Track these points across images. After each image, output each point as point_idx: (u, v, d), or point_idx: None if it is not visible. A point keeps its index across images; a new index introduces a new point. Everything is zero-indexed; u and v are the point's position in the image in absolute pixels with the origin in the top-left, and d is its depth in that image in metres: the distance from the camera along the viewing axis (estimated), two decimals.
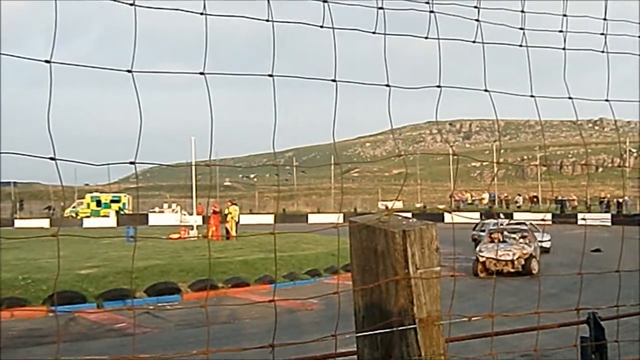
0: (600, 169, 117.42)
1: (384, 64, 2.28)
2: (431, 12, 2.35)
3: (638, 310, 3.70)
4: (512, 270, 23.36)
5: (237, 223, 37.51)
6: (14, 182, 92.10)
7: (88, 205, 73.98)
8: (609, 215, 57.26)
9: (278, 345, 2.14)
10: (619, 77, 3.30)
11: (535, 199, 79.20)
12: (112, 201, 74.95)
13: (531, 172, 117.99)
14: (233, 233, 35.69)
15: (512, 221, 37.52)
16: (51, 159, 1.81)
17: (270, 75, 2.09)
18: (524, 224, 31.79)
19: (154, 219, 65.34)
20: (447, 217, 56.32)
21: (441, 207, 78.12)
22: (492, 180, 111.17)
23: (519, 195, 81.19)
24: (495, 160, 78.98)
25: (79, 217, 69.41)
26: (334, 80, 2.18)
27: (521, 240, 25.86)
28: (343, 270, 16.49)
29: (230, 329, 14.92)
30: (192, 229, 41.92)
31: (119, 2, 1.91)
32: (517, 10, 2.60)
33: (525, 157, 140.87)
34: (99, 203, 74.34)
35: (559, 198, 72.11)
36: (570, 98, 2.81)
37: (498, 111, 2.59)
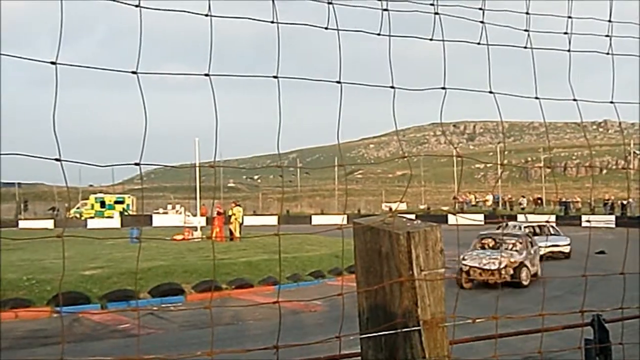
0: (605, 171, 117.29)
1: (387, 65, 2.28)
2: (436, 13, 2.35)
3: None
4: (498, 280, 20.91)
5: (240, 224, 37.51)
6: (19, 183, 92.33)
7: (92, 206, 74.08)
8: (613, 217, 57.14)
9: (282, 347, 2.14)
10: (624, 79, 3.29)
11: (539, 201, 79.09)
12: (116, 202, 75.05)
13: (535, 173, 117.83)
14: (237, 234, 35.70)
15: (531, 222, 35.32)
16: (56, 159, 1.81)
17: (275, 77, 2.09)
18: (544, 225, 31.35)
19: (158, 220, 65.38)
20: (451, 219, 56.25)
21: (445, 208, 78.03)
22: (496, 182, 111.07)
23: (523, 197, 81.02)
24: (499, 162, 78.97)
25: (83, 218, 69.50)
26: (338, 82, 2.18)
27: (512, 246, 23.06)
28: (347, 272, 16.52)
29: (234, 330, 14.92)
30: (196, 230, 41.94)
31: (124, 3, 1.91)
32: (522, 12, 2.60)
33: (529, 159, 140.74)
34: (103, 204, 74.45)
35: (563, 200, 71.98)
36: (575, 100, 2.81)
37: (502, 113, 2.59)
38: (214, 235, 34.53)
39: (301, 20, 2.21)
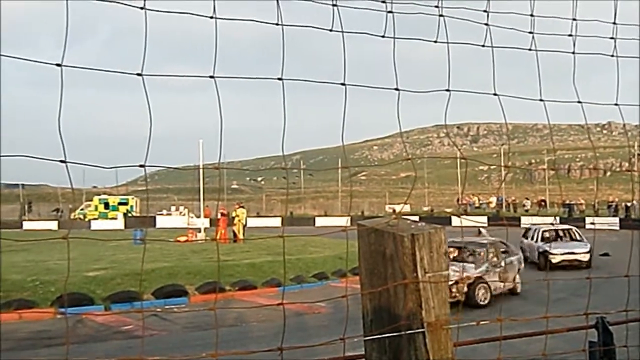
0: (609, 173, 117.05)
1: (391, 67, 2.28)
2: (440, 15, 2.35)
3: None
4: (450, 300, 17.72)
5: (244, 226, 37.55)
6: (23, 184, 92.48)
7: (96, 207, 74.16)
8: (617, 219, 57.03)
9: (287, 349, 2.14)
10: (628, 81, 3.29)
11: (543, 203, 78.92)
12: (119, 203, 75.13)
13: (539, 175, 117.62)
14: (240, 236, 35.72)
15: (558, 226, 32.08)
16: (62, 161, 1.82)
17: (279, 79, 2.09)
18: (570, 229, 28.91)
19: (162, 222, 65.44)
20: (455, 221, 56.18)
21: (448, 210, 77.94)
22: (500, 184, 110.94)
23: (527, 199, 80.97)
24: (503, 164, 78.81)
25: (86, 219, 69.59)
26: (343, 84, 2.19)
27: (471, 258, 19.87)
28: (351, 274, 16.49)
29: (238, 331, 14.92)
30: (200, 232, 42.00)
31: (129, 5, 1.92)
32: (527, 14, 2.60)
33: (533, 161, 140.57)
34: (106, 205, 74.53)
35: (567, 202, 71.85)
36: (579, 102, 2.81)
37: (506, 115, 2.58)
38: (218, 236, 34.59)
39: (305, 22, 2.21)
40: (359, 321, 2.22)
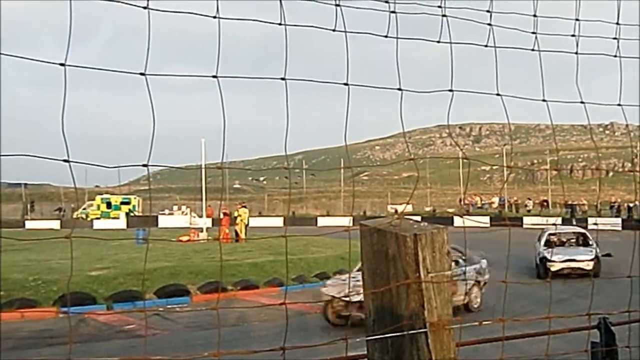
0: (611, 174, 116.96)
1: (394, 66, 2.28)
2: (443, 16, 2.35)
3: None
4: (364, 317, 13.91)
5: (246, 226, 37.58)
6: (25, 184, 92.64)
7: (98, 206, 74.24)
8: (619, 220, 56.99)
9: (289, 348, 2.15)
10: (631, 81, 3.29)
11: (545, 203, 78.91)
12: (122, 203, 75.21)
13: (541, 176, 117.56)
14: (242, 236, 35.76)
15: (567, 228, 30.61)
16: (65, 161, 1.82)
17: (282, 79, 2.09)
18: (582, 233, 26.98)
19: (164, 221, 65.48)
20: (457, 221, 56.17)
21: (451, 210, 77.91)
22: (503, 185, 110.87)
23: (529, 199, 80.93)
24: (505, 164, 78.78)
25: (89, 219, 69.66)
26: (346, 84, 2.18)
27: None
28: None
29: (240, 331, 14.94)
30: (202, 231, 42.01)
31: (132, 5, 1.92)
32: (530, 14, 2.60)
33: (536, 161, 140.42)
34: (109, 205, 74.61)
35: (569, 202, 71.81)
36: (582, 102, 2.80)
37: (509, 115, 2.58)
38: (220, 236, 34.62)
39: (308, 22, 2.21)
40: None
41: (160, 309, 17.57)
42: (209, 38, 2.03)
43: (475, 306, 17.98)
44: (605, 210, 67.35)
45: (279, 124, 2.20)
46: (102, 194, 79.91)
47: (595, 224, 51.46)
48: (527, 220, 59.67)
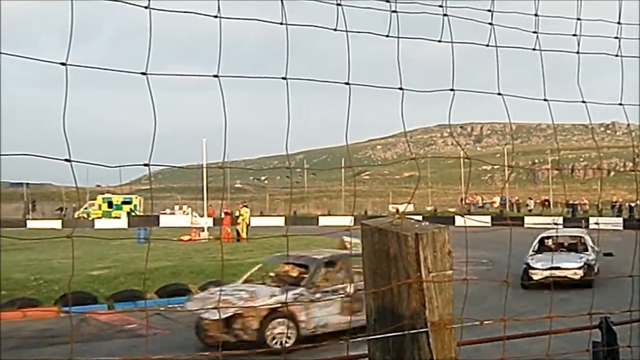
0: (612, 173, 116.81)
1: (395, 66, 2.28)
2: (444, 15, 2.35)
3: None
4: (231, 339, 12.70)
5: (248, 225, 37.58)
6: (27, 183, 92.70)
7: (99, 206, 74.29)
8: (620, 220, 56.95)
9: (290, 349, 2.15)
10: (632, 81, 3.29)
11: (546, 203, 78.84)
12: (123, 202, 75.23)
13: (542, 175, 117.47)
14: (244, 235, 35.76)
15: (570, 230, 27.64)
16: (66, 160, 1.82)
17: (284, 78, 2.09)
18: (580, 237, 24.22)
19: (165, 221, 65.50)
20: (458, 220, 56.18)
21: (452, 210, 77.88)
22: (504, 185, 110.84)
23: (530, 198, 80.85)
24: (506, 164, 78.84)
25: (90, 218, 69.71)
26: (347, 84, 2.19)
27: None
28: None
29: None
30: (203, 231, 42.01)
31: (134, 5, 1.92)
32: (531, 14, 2.60)
33: (537, 161, 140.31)
34: (110, 204, 74.64)
35: (570, 202, 71.74)
36: (583, 102, 2.80)
37: (510, 114, 2.58)
38: (222, 235, 34.63)
39: (310, 22, 2.21)
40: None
41: (162, 308, 17.57)
42: (210, 38, 2.03)
43: None
44: (606, 210, 67.29)
45: (280, 124, 2.21)
46: (103, 194, 79.93)
47: (597, 223, 51.43)
48: (528, 219, 59.65)
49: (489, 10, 2.49)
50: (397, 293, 2.09)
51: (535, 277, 20.78)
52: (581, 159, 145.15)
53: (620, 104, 2.99)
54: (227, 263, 23.35)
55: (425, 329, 2.05)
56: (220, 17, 2.02)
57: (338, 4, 2.16)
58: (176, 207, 75.64)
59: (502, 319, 2.58)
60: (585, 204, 72.66)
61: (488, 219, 57.46)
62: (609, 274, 20.42)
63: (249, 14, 2.23)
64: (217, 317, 12.20)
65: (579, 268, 21.09)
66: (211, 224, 47.11)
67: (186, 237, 34.98)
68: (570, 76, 2.78)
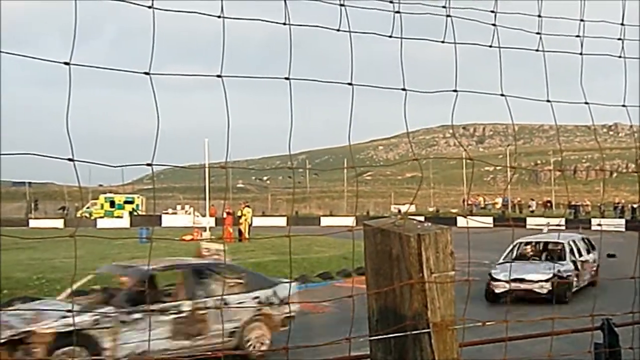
0: (615, 174, 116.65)
1: (398, 66, 2.28)
2: (448, 16, 2.35)
3: None
4: None
5: (250, 225, 37.58)
6: (29, 182, 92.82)
7: (102, 205, 74.35)
8: (623, 221, 56.90)
9: (292, 348, 2.15)
10: (635, 82, 3.29)
11: (548, 204, 78.77)
12: (125, 202, 75.28)
13: (545, 176, 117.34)
14: (246, 235, 35.76)
15: (543, 237, 23.25)
16: (69, 159, 1.82)
17: (286, 79, 2.09)
18: (558, 244, 21.02)
19: (167, 220, 65.54)
20: (460, 221, 56.15)
21: (454, 211, 77.84)
22: (506, 186, 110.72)
23: (532, 200, 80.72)
24: (508, 165, 78.76)
25: (92, 218, 69.77)
26: (350, 84, 2.19)
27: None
28: (355, 274, 16.50)
29: None
30: (205, 231, 42.02)
31: (137, 4, 1.92)
32: (534, 14, 2.59)
33: (539, 162, 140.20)
34: (112, 204, 74.70)
35: (573, 203, 71.69)
36: (587, 103, 2.80)
37: (512, 115, 2.58)
38: (224, 235, 34.64)
39: (313, 22, 2.21)
40: (364, 321, 2.22)
41: None
42: (215, 38, 2.04)
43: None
44: (609, 211, 67.25)
45: (282, 124, 2.21)
46: (105, 193, 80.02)
47: (599, 224, 51.38)
48: (530, 220, 59.58)
49: (492, 11, 2.49)
50: (400, 294, 2.09)
51: (497, 290, 18.15)
52: (584, 160, 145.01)
53: (623, 105, 2.99)
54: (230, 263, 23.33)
55: (428, 330, 2.05)
56: (224, 17, 2.02)
57: (341, 5, 2.16)
58: (178, 207, 75.68)
59: (504, 320, 2.57)
60: (587, 205, 72.59)
61: (490, 220, 57.39)
62: (611, 276, 20.42)
63: (252, 14, 2.24)
64: None
65: (546, 281, 18.18)
66: (213, 224, 47.14)
67: (188, 237, 34.98)
68: (573, 77, 2.77)
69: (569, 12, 2.79)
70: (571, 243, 20.79)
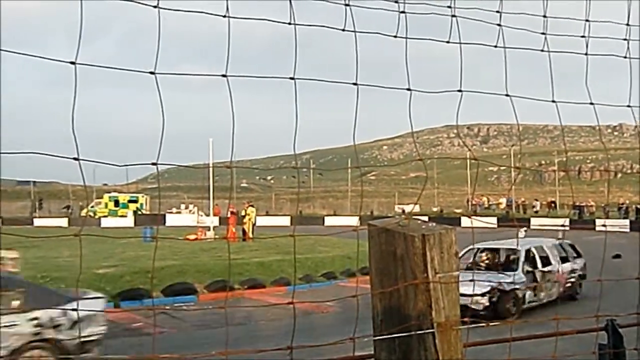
0: (619, 175, 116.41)
1: (403, 66, 2.28)
2: (453, 16, 2.34)
3: None
4: None
5: (253, 225, 37.62)
6: (34, 182, 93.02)
7: (106, 205, 74.43)
8: (627, 222, 56.78)
9: (296, 347, 2.15)
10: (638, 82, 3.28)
11: (553, 205, 78.67)
12: (129, 201, 75.36)
13: (549, 177, 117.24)
14: (250, 235, 35.78)
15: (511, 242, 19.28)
16: (74, 159, 1.83)
17: (292, 78, 2.09)
18: (514, 252, 18.23)
19: (171, 220, 65.60)
20: (464, 222, 56.06)
21: (458, 211, 77.77)
22: (511, 186, 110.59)
23: (537, 200, 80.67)
24: (513, 165, 78.65)
25: (96, 217, 69.87)
26: (355, 84, 2.19)
27: None
28: (359, 273, 16.51)
29: (246, 330, 14.95)
30: (209, 230, 42.04)
31: (143, 4, 1.92)
32: (539, 15, 2.59)
33: (543, 162, 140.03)
34: (117, 203, 74.79)
35: (577, 204, 71.59)
36: (591, 103, 2.80)
37: (517, 115, 2.58)
38: (228, 235, 34.67)
39: (318, 22, 2.21)
40: (368, 321, 2.22)
41: (167, 307, 17.60)
42: (220, 38, 2.04)
43: None
44: (613, 212, 67.12)
45: (286, 123, 2.21)
46: (110, 192, 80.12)
47: (604, 225, 51.28)
48: (534, 221, 59.53)
49: (498, 12, 2.49)
50: (404, 294, 2.09)
51: None
52: (588, 161, 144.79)
53: (628, 106, 2.98)
54: (234, 262, 23.37)
55: (432, 330, 2.05)
56: (229, 17, 2.02)
57: (346, 5, 2.16)
58: (182, 206, 75.72)
59: (508, 321, 2.57)
60: (591, 205, 72.52)
61: (494, 220, 57.33)
62: (616, 276, 20.37)
63: (257, 14, 2.24)
64: None
65: (482, 295, 15.84)
66: (217, 223, 47.16)
67: (192, 236, 35.00)
68: (578, 77, 2.77)
69: (574, 12, 2.79)
70: (533, 250, 18.15)
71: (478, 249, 18.79)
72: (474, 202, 78.73)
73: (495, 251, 18.95)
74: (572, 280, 19.04)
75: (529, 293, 17.14)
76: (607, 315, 3.49)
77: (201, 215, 59.73)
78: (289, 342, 2.19)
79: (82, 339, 10.51)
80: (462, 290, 12.65)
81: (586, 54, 2.75)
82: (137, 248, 28.54)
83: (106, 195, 76.61)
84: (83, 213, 72.79)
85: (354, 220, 63.02)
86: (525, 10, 2.60)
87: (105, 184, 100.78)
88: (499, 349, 3.34)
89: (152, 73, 1.92)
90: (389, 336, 2.11)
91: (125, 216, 69.49)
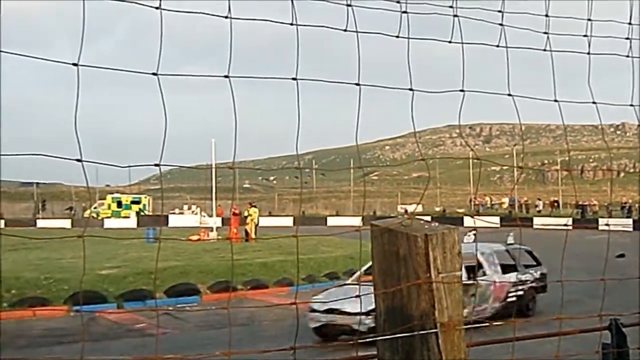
0: (622, 174, 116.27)
1: (405, 66, 2.28)
2: (455, 16, 2.34)
3: None
4: None
5: (256, 225, 37.63)
6: (37, 183, 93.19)
7: (109, 206, 74.51)
8: (630, 221, 56.67)
9: (299, 348, 2.15)
10: None
11: (555, 204, 78.58)
12: (132, 202, 75.45)
13: (552, 176, 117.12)
14: (252, 235, 35.79)
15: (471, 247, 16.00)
16: (78, 160, 1.83)
17: (294, 79, 2.09)
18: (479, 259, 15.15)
19: (174, 221, 65.65)
20: (467, 221, 56.00)
21: (460, 210, 77.72)
22: (513, 185, 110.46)
23: (539, 199, 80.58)
24: (515, 165, 78.58)
25: (99, 218, 69.95)
26: (357, 84, 2.19)
27: None
28: (362, 274, 16.51)
29: (249, 331, 14.94)
30: (212, 231, 42.07)
31: (145, 5, 1.93)
32: (541, 14, 2.59)
33: (546, 162, 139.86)
34: (119, 204, 74.87)
35: (580, 203, 71.48)
36: (594, 103, 2.80)
37: (519, 115, 2.58)
38: (231, 235, 34.69)
39: (320, 22, 2.21)
40: None
41: (170, 308, 17.61)
42: (223, 39, 2.04)
43: None
44: (616, 211, 67.03)
45: (289, 124, 2.21)
46: (112, 193, 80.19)
47: (607, 224, 51.21)
48: (537, 220, 59.49)
49: (500, 11, 2.49)
50: (407, 294, 2.09)
51: (311, 325, 13.43)
52: (591, 160, 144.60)
53: (631, 105, 2.98)
54: (236, 263, 23.38)
55: (435, 330, 2.05)
56: (231, 18, 2.02)
57: (348, 5, 2.16)
58: (185, 207, 75.79)
59: (512, 320, 2.57)
60: (594, 205, 72.40)
61: (497, 219, 57.32)
62: (620, 276, 20.34)
63: (259, 14, 2.24)
64: None
65: (367, 314, 9.60)
66: (220, 224, 47.18)
67: (195, 237, 35.03)
68: (580, 77, 2.77)
69: (577, 11, 2.79)
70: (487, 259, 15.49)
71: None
72: (476, 202, 78.69)
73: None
74: (520, 293, 15.79)
75: None
76: (610, 315, 3.48)
77: (204, 216, 59.80)
78: (292, 342, 2.19)
79: None
80: (346, 308, 12.04)
81: (588, 53, 2.75)
82: (140, 249, 28.54)
83: (109, 197, 76.70)
84: (86, 214, 72.87)
85: (356, 221, 62.95)
86: (527, 10, 2.60)
87: (108, 185, 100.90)
88: (502, 348, 3.34)
89: (154, 74, 1.93)
90: (392, 336, 2.11)
91: (128, 217, 69.59)
